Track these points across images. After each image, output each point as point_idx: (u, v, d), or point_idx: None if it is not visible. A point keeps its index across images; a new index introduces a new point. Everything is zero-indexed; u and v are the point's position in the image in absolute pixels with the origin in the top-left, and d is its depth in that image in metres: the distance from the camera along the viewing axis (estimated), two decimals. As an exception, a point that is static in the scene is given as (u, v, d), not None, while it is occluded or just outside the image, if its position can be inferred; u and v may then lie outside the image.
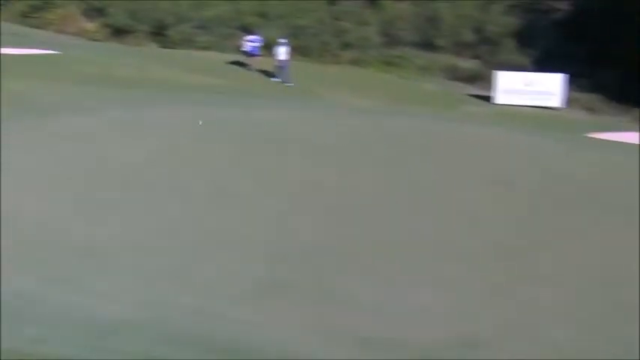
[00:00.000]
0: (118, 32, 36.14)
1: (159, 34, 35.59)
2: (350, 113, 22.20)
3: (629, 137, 22.80)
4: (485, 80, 29.40)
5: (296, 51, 29.62)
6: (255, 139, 17.87)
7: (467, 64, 32.02)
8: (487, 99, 27.63)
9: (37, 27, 36.55)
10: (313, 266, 11.00)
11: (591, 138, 22.56)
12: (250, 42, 29.69)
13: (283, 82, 27.80)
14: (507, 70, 28.71)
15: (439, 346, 9.00)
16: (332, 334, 9.02)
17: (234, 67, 30.41)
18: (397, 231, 12.76)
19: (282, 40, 28.26)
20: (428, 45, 33.23)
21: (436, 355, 8.80)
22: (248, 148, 17.00)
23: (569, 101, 27.36)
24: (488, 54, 32.22)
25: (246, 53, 29.77)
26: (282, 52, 28.00)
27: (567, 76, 26.92)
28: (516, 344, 9.20)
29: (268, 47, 29.49)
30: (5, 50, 25.85)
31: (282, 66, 28.02)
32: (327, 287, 10.31)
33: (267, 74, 28.88)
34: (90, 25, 37.19)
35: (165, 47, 34.69)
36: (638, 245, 12.71)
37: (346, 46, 33.88)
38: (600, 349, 9.23)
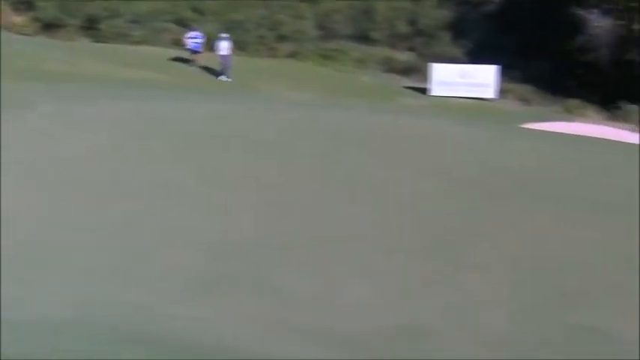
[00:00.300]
0: (48, 26, 35.30)
1: (91, 28, 34.90)
2: (288, 107, 22.24)
3: (562, 127, 23.45)
4: (421, 72, 29.76)
5: (232, 45, 29.49)
6: (194, 134, 17.72)
7: (402, 56, 32.36)
8: (423, 91, 28.00)
9: (-38, 21, 35.46)
10: (254, 261, 11.02)
11: (525, 128, 23.09)
12: (192, 39, 29.41)
13: (223, 76, 27.68)
14: (442, 62, 29.13)
15: (380, 337, 9.16)
16: (274, 328, 9.07)
17: (173, 62, 30.08)
18: (336, 224, 12.87)
19: (224, 35, 28.06)
20: (364, 38, 33.48)
21: (377, 345, 8.95)
22: (187, 143, 16.85)
23: (503, 92, 27.92)
24: (423, 46, 32.63)
25: (189, 50, 29.50)
26: (223, 47, 27.80)
27: (500, 67, 27.48)
28: (455, 333, 9.42)
29: (207, 42, 29.29)
30: None
31: (223, 62, 27.84)
32: (268, 281, 10.35)
33: (211, 71, 28.63)
34: (19, 19, 36.23)
35: (97, 42, 34.07)
36: (574, 234, 13.19)
37: (282, 39, 33.88)
38: (537, 335, 9.54)
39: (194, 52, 29.38)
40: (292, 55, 33.14)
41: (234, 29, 32.37)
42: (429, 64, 28.88)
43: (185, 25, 33.59)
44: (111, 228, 11.51)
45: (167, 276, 10.10)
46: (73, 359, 6.45)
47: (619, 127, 24.36)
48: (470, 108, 25.93)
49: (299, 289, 10.19)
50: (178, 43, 31.61)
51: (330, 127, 19.45)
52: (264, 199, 13.75)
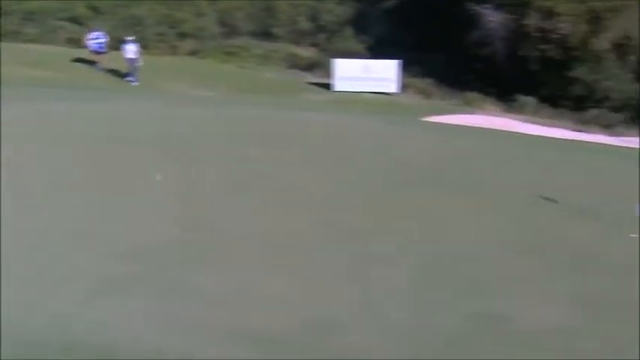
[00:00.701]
0: None
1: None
2: (191, 105, 21.98)
3: (462, 119, 24.08)
4: (324, 68, 29.96)
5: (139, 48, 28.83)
6: (96, 133, 17.33)
7: (305, 52, 32.50)
8: (327, 86, 28.20)
9: None
10: (165, 261, 10.84)
11: (427, 121, 23.60)
12: (94, 39, 28.43)
13: (131, 80, 26.97)
14: (345, 57, 29.41)
15: (293, 333, 9.20)
16: (188, 328, 8.96)
17: (75, 62, 29.19)
18: (244, 221, 12.82)
19: (130, 38, 27.32)
20: (266, 34, 33.44)
21: (291, 341, 8.98)
22: (90, 142, 16.45)
23: (404, 86, 28.43)
24: (326, 42, 32.88)
25: (92, 52, 28.50)
26: (130, 50, 27.06)
27: (401, 62, 27.97)
28: (366, 325, 9.56)
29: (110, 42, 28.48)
30: None
31: (131, 64, 27.12)
32: (180, 281, 10.20)
33: (114, 71, 27.87)
34: None
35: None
36: (477, 224, 13.59)
37: (184, 37, 33.45)
38: (443, 324, 9.78)
39: (97, 52, 28.41)
40: (194, 53, 32.75)
41: (132, 27, 31.71)
42: (332, 59, 29.12)
43: (80, 23, 32.64)
44: (15, 231, 11.10)
45: (75, 278, 9.85)
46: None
47: (515, 119, 25.22)
48: (373, 102, 26.28)
49: (211, 288, 10.10)
50: (75, 42, 30.67)
51: (235, 124, 19.37)
52: (171, 198, 13.57)
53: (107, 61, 27.95)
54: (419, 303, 10.21)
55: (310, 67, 31.45)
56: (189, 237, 11.87)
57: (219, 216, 12.94)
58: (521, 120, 24.91)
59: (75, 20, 33.03)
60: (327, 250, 11.78)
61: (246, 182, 14.89)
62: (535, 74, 26.05)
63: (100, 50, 28.19)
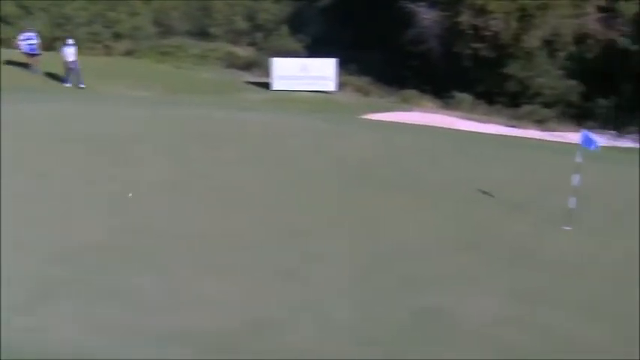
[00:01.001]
0: None
1: None
2: (128, 106, 21.63)
3: (400, 117, 24.26)
4: (262, 67, 29.82)
5: (63, 42, 28.15)
6: (32, 135, 16.93)
7: (243, 51, 32.32)
8: (265, 86, 28.07)
9: None
10: (99, 264, 10.62)
11: (365, 119, 23.71)
12: (26, 40, 27.49)
13: (76, 84, 26.20)
14: (282, 56, 29.33)
15: (234, 333, 9.12)
16: (123, 333, 8.80)
17: (4, 63, 28.38)
18: (181, 222, 12.67)
19: (70, 41, 26.48)
20: (203, 34, 33.13)
21: (230, 342, 8.91)
22: (24, 144, 16.05)
23: (342, 85, 28.49)
24: (263, 41, 32.77)
25: (24, 53, 27.53)
26: (70, 53, 26.26)
27: (338, 60, 28.03)
28: (307, 325, 9.54)
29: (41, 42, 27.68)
30: None
31: (71, 67, 26.32)
32: (114, 284, 10.01)
33: (51, 74, 27.12)
34: None
35: None
36: (416, 220, 13.72)
37: (118, 36, 32.88)
38: (383, 321, 9.84)
39: (30, 54, 27.48)
40: (129, 53, 32.21)
41: (63, 25, 30.99)
42: (270, 58, 29.02)
43: (9, 22, 31.74)
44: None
45: (8, 283, 9.59)
46: None
47: (452, 115, 25.53)
48: (311, 101, 26.29)
49: (148, 291, 9.95)
50: (4, 43, 29.78)
51: (173, 124, 19.13)
52: (105, 200, 13.32)
53: (40, 63, 27.16)
54: (359, 301, 10.25)
55: (248, 66, 31.28)
56: (126, 239, 11.67)
57: (156, 217, 12.76)
58: (457, 116, 25.22)
59: (4, 20, 32.11)
60: (266, 250, 11.73)
61: (184, 183, 14.73)
62: (470, 71, 26.42)
63: (32, 52, 27.29)
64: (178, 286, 10.25)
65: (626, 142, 23.01)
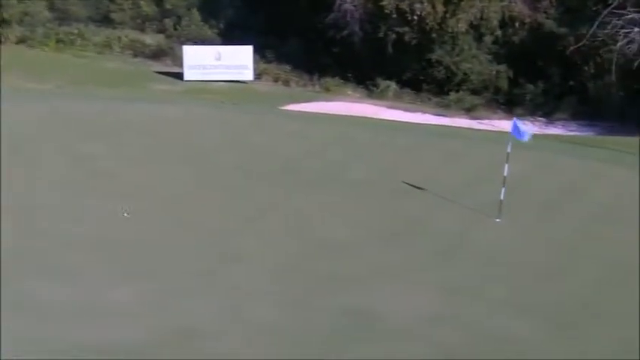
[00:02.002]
0: None
1: None
2: (24, 99, 21.07)
3: (321, 107, 24.41)
4: (173, 56, 29.47)
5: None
6: None
7: (151, 39, 31.81)
8: (176, 76, 27.76)
9: None
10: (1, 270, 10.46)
11: (285, 110, 23.78)
12: None
13: None
14: (194, 44, 29.04)
15: (153, 345, 9.06)
16: (27, 345, 8.67)
17: None
18: (90, 225, 12.48)
19: None
20: (106, 20, 32.47)
21: (152, 354, 8.87)
22: None
23: (260, 73, 28.46)
24: (173, 28, 32.36)
25: None
26: None
27: (255, 47, 27.96)
28: (229, 330, 9.57)
29: None
30: None
31: None
32: (15, 293, 9.83)
33: None
34: None
35: None
36: (339, 216, 13.87)
37: (7, 23, 31.87)
38: (306, 322, 9.94)
39: None
40: (23, 41, 31.30)
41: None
42: (181, 46, 28.70)
43: None
44: None
45: None
46: None
47: (377, 104, 25.82)
48: (227, 92, 26.16)
49: (52, 300, 9.79)
50: None
51: (74, 119, 18.75)
52: (7, 201, 13.01)
53: None
54: (282, 303, 10.33)
55: (157, 55, 30.82)
56: (24, 245, 11.45)
57: (61, 219, 12.55)
58: (382, 106, 25.52)
59: None
60: (182, 253, 11.70)
61: (87, 183, 14.52)
62: (395, 58, 26.72)
63: None
64: (88, 294, 10.13)
65: (555, 129, 23.74)
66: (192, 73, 27.61)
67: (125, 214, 12.43)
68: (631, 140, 20.82)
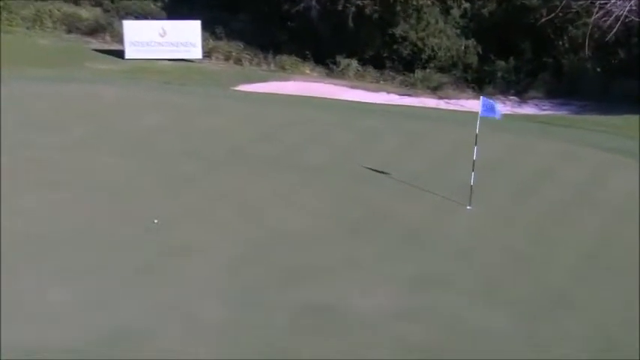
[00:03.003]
0: None
1: None
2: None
3: (277, 87, 24.35)
4: (112, 32, 29.12)
5: None
6: None
7: (87, 12, 31.38)
8: (117, 54, 27.43)
9: None
10: None
11: (236, 91, 23.69)
12: None
13: None
14: (136, 18, 28.71)
15: (90, 348, 8.97)
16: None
17: None
18: (19, 219, 12.26)
19: None
20: (36, -8, 32.05)
21: (89, 357, 8.79)
22: None
23: (209, 51, 28.25)
24: (111, 0, 31.98)
25: None
26: None
27: (204, 23, 27.70)
28: (174, 331, 9.50)
29: None
30: None
31: None
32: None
33: None
34: None
35: None
36: (296, 203, 13.86)
37: None
38: (261, 320, 9.92)
39: None
40: None
41: None
42: (121, 21, 28.36)
43: None
44: None
45: None
46: None
47: (336, 84, 25.82)
48: (174, 71, 25.94)
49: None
50: None
51: (5, 103, 18.46)
52: None
53: None
54: (233, 299, 10.28)
55: (94, 31, 30.39)
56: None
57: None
58: (343, 85, 25.55)
59: None
60: (121, 246, 11.59)
61: (17, 172, 14.30)
62: (356, 33, 26.71)
63: None
64: (19, 294, 9.99)
65: (528, 109, 23.96)
66: (134, 51, 27.28)
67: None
68: (607, 119, 21.15)
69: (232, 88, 24.00)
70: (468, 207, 13.98)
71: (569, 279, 11.46)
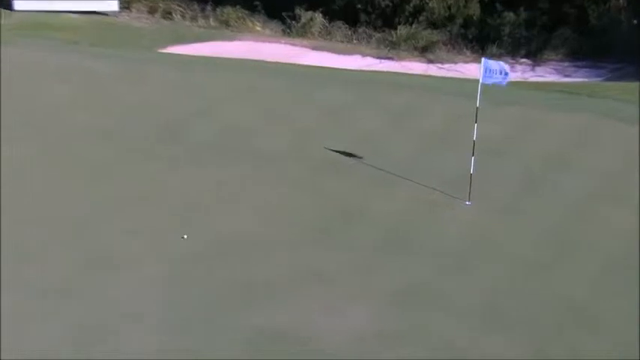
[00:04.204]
0: None
1: None
2: None
3: (216, 48, 24.39)
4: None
5: None
6: None
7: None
8: (2, 4, 27.24)
9: None
10: None
11: (165, 53, 23.67)
12: None
13: None
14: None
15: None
16: None
17: None
18: None
19: None
20: None
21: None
22: None
23: (129, 2, 28.14)
24: None
25: None
26: None
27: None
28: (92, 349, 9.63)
29: None
30: None
31: None
32: None
33: None
34: None
35: None
36: (245, 199, 13.93)
37: None
38: (204, 350, 10.01)
39: None
40: None
41: None
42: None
43: None
44: None
45: None
46: None
47: (295, 44, 25.80)
48: (84, 27, 25.82)
49: None
50: None
51: None
52: None
53: None
54: (169, 324, 10.37)
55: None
56: None
57: None
58: (303, 46, 25.61)
59: None
60: (24, 260, 11.56)
61: None
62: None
63: None
64: None
65: (543, 74, 24.11)
66: (25, 2, 27.07)
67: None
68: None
69: (159, 50, 24.02)
70: (467, 202, 14.14)
71: (590, 293, 11.66)
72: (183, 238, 12.56)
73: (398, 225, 13.45)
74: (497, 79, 14.01)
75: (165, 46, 24.31)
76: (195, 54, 23.63)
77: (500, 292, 11.65)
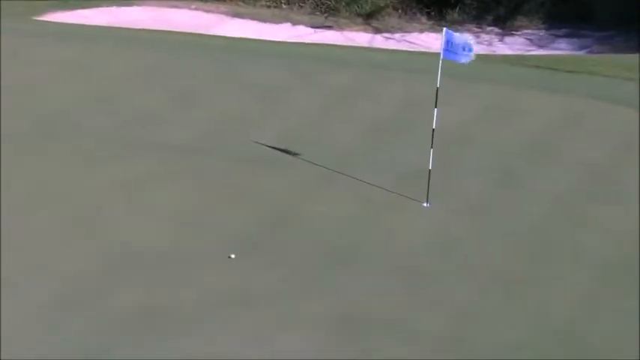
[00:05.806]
0: None
1: None
2: None
3: (108, 17, 24.33)
4: None
5: None
6: None
7: None
8: None
9: None
10: None
11: (45, 22, 23.57)
12: None
13: None
14: None
15: None
16: None
17: None
18: None
19: None
20: None
21: None
22: None
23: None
24: None
25: None
26: None
27: None
28: None
29: None
30: None
31: None
32: None
33: None
34: None
35: None
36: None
37: None
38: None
39: None
40: None
41: None
42: None
43: None
44: None
45: None
46: None
47: (210, 10, 25.76)
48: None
49: None
50: None
51: None
52: None
53: None
54: (57, 357, 10.36)
55: None
56: None
57: None
58: (220, 12, 25.56)
59: None
60: None
61: None
62: None
63: None
64: None
65: (514, 46, 24.32)
66: None
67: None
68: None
69: (35, 17, 23.85)
70: (425, 204, 14.29)
71: (578, 312, 11.80)
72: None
73: (341, 234, 13.57)
74: (459, 56, 13.98)
75: (42, 13, 24.11)
76: (83, 23, 23.46)
77: (466, 314, 11.78)
